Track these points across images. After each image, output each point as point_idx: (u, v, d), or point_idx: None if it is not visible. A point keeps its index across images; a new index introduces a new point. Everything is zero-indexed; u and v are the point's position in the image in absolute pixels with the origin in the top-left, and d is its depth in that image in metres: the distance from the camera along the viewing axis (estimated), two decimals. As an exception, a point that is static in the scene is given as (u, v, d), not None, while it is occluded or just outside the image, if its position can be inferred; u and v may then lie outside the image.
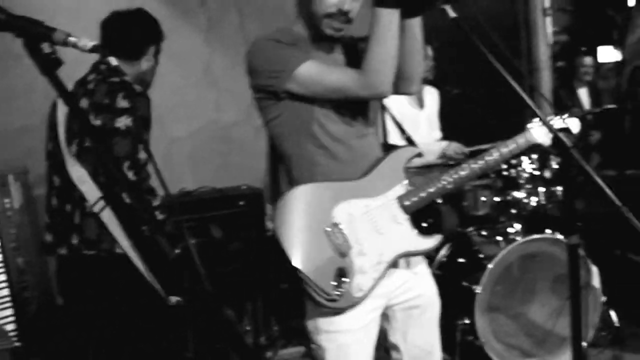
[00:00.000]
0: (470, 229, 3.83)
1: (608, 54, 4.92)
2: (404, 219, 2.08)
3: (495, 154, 2.16)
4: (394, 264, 2.07)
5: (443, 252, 3.80)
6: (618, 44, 4.86)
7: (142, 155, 2.62)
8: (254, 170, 4.65)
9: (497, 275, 3.49)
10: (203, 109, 4.72)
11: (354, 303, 1.99)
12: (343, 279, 1.95)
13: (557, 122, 2.48)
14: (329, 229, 1.97)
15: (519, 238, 3.49)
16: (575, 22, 8.77)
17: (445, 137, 4.26)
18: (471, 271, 3.51)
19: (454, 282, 3.59)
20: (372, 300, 2.03)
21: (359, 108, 2.11)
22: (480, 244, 3.67)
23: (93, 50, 1.41)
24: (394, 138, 3.99)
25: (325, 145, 2.04)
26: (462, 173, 2.12)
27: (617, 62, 8.03)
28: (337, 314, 2.00)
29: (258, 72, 2.03)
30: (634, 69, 8.09)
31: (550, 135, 2.25)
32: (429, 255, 3.76)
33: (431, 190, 2.10)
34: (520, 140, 2.20)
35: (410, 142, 2.26)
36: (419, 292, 2.19)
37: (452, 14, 1.88)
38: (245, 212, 4.16)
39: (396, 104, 3.94)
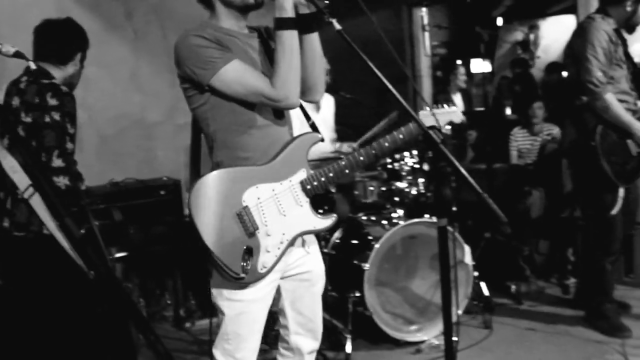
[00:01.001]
0: (361, 214, 3.83)
1: (479, 65, 5.06)
2: (305, 202, 2.05)
3: (389, 140, 2.15)
4: (292, 243, 2.05)
5: (337, 234, 3.78)
6: (485, 56, 4.99)
7: (69, 145, 2.63)
8: (173, 164, 4.81)
9: (383, 254, 3.50)
10: (130, 110, 4.71)
11: (258, 278, 1.98)
12: (249, 258, 1.93)
13: (441, 110, 2.54)
14: (238, 213, 1.94)
15: (401, 222, 3.51)
16: (452, 38, 9.05)
17: (340, 138, 4.26)
18: (361, 251, 3.50)
19: (347, 260, 3.57)
20: (272, 274, 2.02)
21: None
22: (369, 227, 3.67)
23: (15, 55, 1.48)
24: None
25: (244, 131, 2.00)
26: (359, 157, 2.10)
27: (486, 73, 8.35)
28: (237, 285, 1.97)
29: (185, 65, 1.95)
30: (501, 79, 8.43)
31: (436, 120, 2.32)
32: (325, 237, 3.77)
33: (331, 175, 2.07)
34: (410, 126, 2.17)
35: (314, 128, 2.19)
36: (309, 268, 2.16)
37: (337, 26, 1.84)
38: (165, 200, 4.24)
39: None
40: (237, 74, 1.93)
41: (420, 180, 3.72)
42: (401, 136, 2.16)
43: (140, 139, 4.75)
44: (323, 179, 2.06)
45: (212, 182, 1.94)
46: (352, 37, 1.79)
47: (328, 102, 4.18)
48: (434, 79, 7.22)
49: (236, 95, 1.95)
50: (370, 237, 3.54)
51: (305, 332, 2.19)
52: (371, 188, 3.77)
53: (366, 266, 3.36)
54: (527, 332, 3.66)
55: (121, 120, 4.64)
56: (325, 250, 3.73)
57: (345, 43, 1.81)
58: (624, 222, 3.62)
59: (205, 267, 2.04)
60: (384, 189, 3.76)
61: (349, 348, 3.35)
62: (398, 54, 1.91)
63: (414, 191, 3.71)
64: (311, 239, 2.20)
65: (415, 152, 3.78)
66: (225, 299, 2.01)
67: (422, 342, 3.52)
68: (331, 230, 3.77)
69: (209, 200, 1.92)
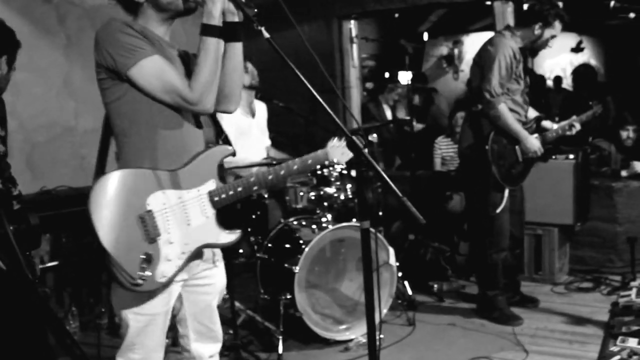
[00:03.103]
0: (292, 219, 3.86)
1: (407, 77, 5.21)
2: (211, 213, 1.99)
3: (298, 163, 2.18)
4: (198, 254, 2.00)
5: (269, 238, 3.80)
6: (411, 69, 5.15)
7: (1, 148, 2.54)
8: (109, 172, 4.59)
9: (312, 257, 3.55)
10: (63, 117, 4.55)
11: (156, 288, 1.89)
12: (148, 265, 1.83)
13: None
14: (141, 215, 1.84)
15: (330, 226, 3.57)
16: (380, 51, 9.25)
17: (274, 143, 4.31)
18: (292, 254, 3.54)
19: (278, 264, 3.61)
20: (175, 285, 1.97)
21: None
22: (299, 232, 3.71)
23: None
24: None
25: (157, 132, 1.91)
26: (268, 176, 2.09)
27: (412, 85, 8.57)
28: (143, 296, 1.91)
29: (106, 50, 1.83)
30: (429, 89, 8.64)
31: (346, 155, 2.40)
32: (257, 242, 3.79)
33: (239, 189, 2.03)
34: (319, 154, 2.26)
35: (226, 142, 2.19)
36: (213, 281, 2.13)
37: (266, 34, 1.83)
38: None
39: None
40: (157, 69, 1.85)
41: (349, 185, 3.81)
42: (310, 161, 2.22)
43: (73, 146, 4.60)
44: (231, 192, 2.01)
45: (116, 180, 1.81)
46: (285, 47, 1.79)
47: (261, 109, 4.22)
48: (364, 89, 7.39)
49: (152, 91, 1.86)
50: (300, 241, 3.58)
51: (206, 340, 2.17)
52: (301, 194, 3.81)
53: (296, 269, 3.41)
54: (447, 328, 3.81)
55: (54, 128, 4.49)
56: (258, 255, 3.76)
57: (276, 52, 1.81)
58: (514, 222, 3.89)
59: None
60: (313, 194, 3.82)
61: (280, 349, 3.40)
62: (328, 64, 1.95)
63: (342, 196, 3.79)
64: (219, 252, 2.17)
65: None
66: (131, 311, 1.94)
67: (351, 340, 3.60)
68: (263, 235, 3.81)
69: (110, 199, 1.79)
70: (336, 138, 2.48)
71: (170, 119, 1.93)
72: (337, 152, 2.39)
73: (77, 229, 4.01)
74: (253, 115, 4.11)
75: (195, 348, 2.16)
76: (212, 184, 2.00)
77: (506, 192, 3.73)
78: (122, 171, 1.85)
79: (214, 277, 2.14)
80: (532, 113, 3.92)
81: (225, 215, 2.06)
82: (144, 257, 1.83)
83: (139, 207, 1.84)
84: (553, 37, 3.67)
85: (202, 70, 1.88)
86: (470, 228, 4.62)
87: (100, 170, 2.01)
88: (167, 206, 1.90)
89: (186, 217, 1.94)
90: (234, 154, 2.06)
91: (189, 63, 2.05)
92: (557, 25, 3.62)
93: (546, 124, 3.89)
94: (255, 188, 2.08)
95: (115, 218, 1.80)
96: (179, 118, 1.96)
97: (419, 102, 7.57)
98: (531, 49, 3.73)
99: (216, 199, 2.00)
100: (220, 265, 2.17)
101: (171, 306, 2.02)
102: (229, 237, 2.04)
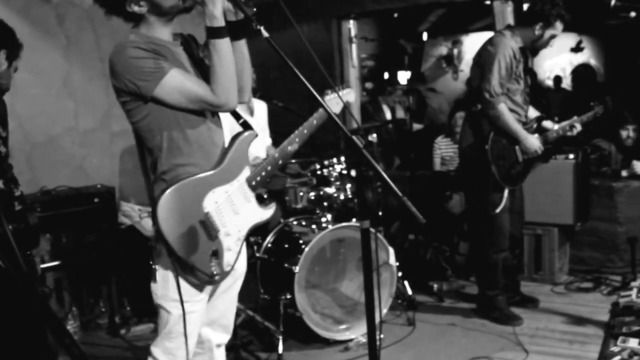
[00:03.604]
0: (292, 219, 3.86)
1: (406, 77, 5.20)
2: (252, 197, 2.15)
3: (305, 126, 2.43)
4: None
5: (269, 239, 3.80)
6: (409, 68, 5.15)
7: (2, 149, 2.55)
8: (108, 171, 4.71)
9: (312, 257, 3.55)
10: (63, 117, 4.54)
11: (224, 277, 2.08)
12: (217, 260, 2.01)
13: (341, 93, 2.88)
14: (202, 220, 1.98)
15: (330, 226, 3.56)
16: (379, 51, 9.24)
17: (274, 144, 4.30)
18: (292, 254, 3.53)
19: (278, 264, 3.60)
20: None
21: None
22: (299, 232, 3.71)
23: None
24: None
25: (187, 135, 1.98)
26: (288, 147, 2.38)
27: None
28: (192, 286, 2.03)
29: (125, 78, 1.88)
30: (426, 90, 8.64)
31: (340, 105, 2.72)
32: (257, 242, 3.79)
33: (269, 168, 2.25)
34: (320, 112, 2.46)
35: (246, 126, 2.26)
36: (237, 266, 2.19)
37: (265, 34, 1.84)
38: (99, 208, 4.14)
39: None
40: (177, 83, 1.91)
41: (348, 185, 3.80)
42: (315, 122, 2.45)
43: (73, 146, 4.59)
44: (263, 173, 2.21)
45: (173, 197, 1.94)
46: (284, 47, 1.79)
47: (261, 108, 4.22)
48: (364, 89, 7.38)
49: (178, 104, 1.93)
50: (300, 241, 3.58)
51: (216, 327, 2.23)
52: (301, 194, 3.81)
53: (296, 269, 3.40)
54: (447, 328, 3.80)
55: (53, 128, 4.48)
56: (258, 255, 3.75)
57: (275, 52, 1.80)
58: (514, 222, 3.88)
59: (143, 273, 2.09)
60: (313, 194, 3.81)
61: (280, 349, 3.39)
62: (328, 64, 1.94)
63: (342, 196, 3.78)
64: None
65: (343, 158, 3.86)
66: (172, 299, 2.02)
67: (351, 340, 3.60)
68: (263, 235, 3.80)
69: (174, 212, 1.93)
70: (329, 90, 2.72)
71: (194, 119, 2.01)
72: (332, 103, 2.64)
73: (77, 229, 4.01)
74: (251, 113, 4.11)
75: (205, 333, 2.21)
76: (247, 171, 2.15)
77: (506, 192, 3.72)
78: (177, 186, 1.96)
79: (237, 264, 2.18)
80: (533, 113, 3.91)
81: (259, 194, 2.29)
82: (212, 253, 2.00)
83: (198, 213, 1.99)
84: (553, 37, 3.65)
85: (220, 73, 1.93)
86: (470, 228, 4.61)
87: (151, 186, 2.05)
88: (219, 203, 2.04)
89: (235, 207, 2.09)
90: (256, 136, 2.20)
91: (191, 49, 2.13)
92: (558, 25, 3.60)
93: (547, 124, 3.87)
94: (280, 162, 2.35)
95: (181, 228, 1.95)
96: (201, 116, 2.04)
97: (413, 104, 7.57)
98: (532, 49, 3.72)
99: (253, 183, 2.15)
100: (243, 252, 2.23)
101: (207, 297, 2.11)
102: (268, 211, 2.21)
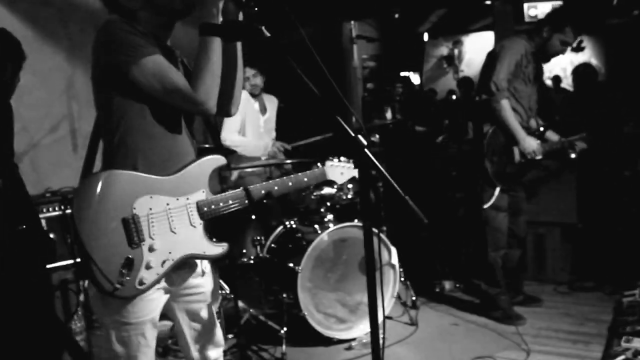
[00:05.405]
0: (295, 219, 3.85)
1: (406, 77, 5.19)
2: (198, 224, 1.90)
3: (293, 180, 2.15)
4: (185, 264, 1.91)
5: (272, 238, 3.78)
6: (413, 70, 5.14)
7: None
8: None
9: (315, 257, 3.53)
10: (66, 119, 4.56)
11: (133, 295, 1.78)
12: (128, 270, 1.74)
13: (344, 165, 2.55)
14: (125, 218, 1.75)
15: (332, 226, 3.55)
16: (381, 51, 9.23)
17: (278, 137, 4.35)
18: (294, 254, 3.52)
19: (281, 263, 3.59)
20: (155, 292, 1.85)
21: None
22: (302, 232, 3.70)
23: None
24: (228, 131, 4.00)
25: (150, 138, 1.83)
26: (261, 191, 2.06)
27: (416, 85, 8.56)
28: (125, 303, 1.80)
29: (107, 49, 1.75)
30: (428, 91, 8.65)
31: (345, 176, 2.44)
32: (260, 242, 3.76)
33: (230, 202, 1.98)
34: (316, 173, 2.26)
35: (218, 147, 2.14)
36: (204, 289, 2.04)
37: (267, 33, 1.80)
38: None
39: (246, 107, 4.03)
40: (158, 68, 1.76)
41: (351, 185, 3.79)
42: (306, 179, 2.21)
43: (77, 148, 4.59)
44: (221, 204, 1.95)
45: (103, 181, 1.73)
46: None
47: (272, 104, 4.32)
48: (365, 90, 7.36)
49: (153, 91, 1.77)
50: (303, 241, 3.56)
51: (206, 344, 2.08)
52: (304, 193, 3.80)
53: (299, 269, 3.39)
54: (450, 327, 3.79)
55: (57, 130, 4.48)
56: (261, 255, 3.74)
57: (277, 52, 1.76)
58: (516, 222, 3.88)
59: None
60: (316, 194, 3.80)
61: (284, 348, 3.38)
62: (330, 65, 1.92)
63: (345, 196, 3.77)
64: (207, 262, 2.07)
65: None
66: (113, 320, 1.83)
67: (354, 339, 3.59)
68: (266, 234, 3.80)
69: (95, 199, 1.71)
70: (335, 158, 2.50)
71: (163, 124, 1.86)
72: (336, 172, 2.39)
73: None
74: (264, 112, 4.19)
75: (197, 357, 2.08)
76: (202, 194, 1.92)
77: (497, 190, 3.70)
78: (110, 172, 1.76)
79: (203, 287, 2.04)
80: (551, 135, 3.83)
81: (215, 227, 1.99)
82: (125, 261, 1.74)
83: (124, 210, 1.76)
84: (565, 43, 3.63)
85: (203, 70, 1.80)
86: (471, 227, 4.59)
87: (88, 171, 1.96)
88: (154, 212, 1.81)
89: (173, 225, 1.85)
90: (228, 166, 2.00)
91: (189, 71, 1.96)
92: (568, 30, 3.59)
93: (550, 135, 3.85)
94: (246, 202, 2.01)
95: (99, 219, 1.72)
96: (172, 126, 1.88)
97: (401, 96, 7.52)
98: (542, 54, 3.70)
99: (205, 209, 1.92)
100: (208, 270, 2.08)
101: (157, 315, 1.90)
102: (216, 249, 1.95)
